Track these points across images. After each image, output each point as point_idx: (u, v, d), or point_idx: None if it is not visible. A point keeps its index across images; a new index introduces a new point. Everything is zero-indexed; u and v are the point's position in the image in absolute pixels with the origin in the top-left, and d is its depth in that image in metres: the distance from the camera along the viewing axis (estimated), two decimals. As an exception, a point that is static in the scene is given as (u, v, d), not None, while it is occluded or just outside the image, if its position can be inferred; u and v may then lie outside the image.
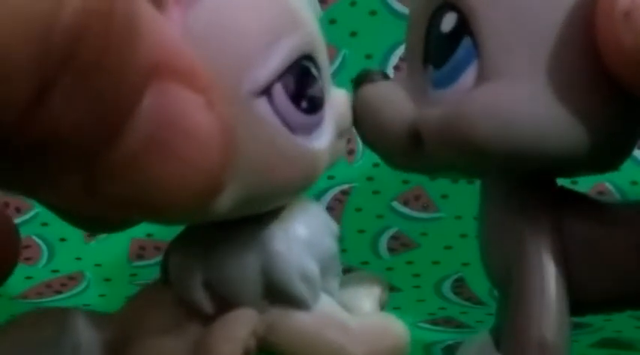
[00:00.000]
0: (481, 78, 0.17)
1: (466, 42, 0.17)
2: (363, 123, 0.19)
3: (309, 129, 0.16)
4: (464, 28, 0.17)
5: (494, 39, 0.17)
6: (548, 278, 0.18)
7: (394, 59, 0.40)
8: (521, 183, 0.19)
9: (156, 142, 0.10)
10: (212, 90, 0.11)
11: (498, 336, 0.20)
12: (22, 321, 0.17)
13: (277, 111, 0.15)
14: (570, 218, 0.19)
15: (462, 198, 0.40)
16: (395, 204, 0.41)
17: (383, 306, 0.19)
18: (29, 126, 0.09)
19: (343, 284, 0.19)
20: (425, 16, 0.18)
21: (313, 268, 0.16)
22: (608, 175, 0.20)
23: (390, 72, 0.40)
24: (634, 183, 0.40)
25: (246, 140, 0.14)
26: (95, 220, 0.17)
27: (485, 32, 0.17)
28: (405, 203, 0.41)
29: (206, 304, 0.16)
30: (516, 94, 0.16)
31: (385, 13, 0.39)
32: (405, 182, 0.41)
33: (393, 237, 0.41)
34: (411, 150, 0.18)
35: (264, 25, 0.15)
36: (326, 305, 0.17)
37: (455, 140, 0.17)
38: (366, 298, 0.19)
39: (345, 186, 0.41)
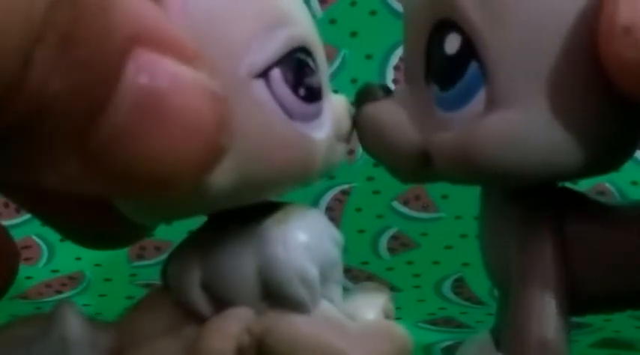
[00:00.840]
0: (491, 103, 0.17)
1: (473, 67, 0.17)
2: (368, 142, 0.19)
3: (308, 118, 0.16)
4: (470, 51, 0.17)
5: (503, 65, 0.16)
6: (549, 277, 0.18)
7: (394, 59, 0.40)
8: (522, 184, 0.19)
9: (142, 111, 0.10)
10: (199, 61, 0.11)
11: (498, 336, 0.20)
12: (15, 322, 0.17)
13: (275, 96, 0.15)
14: (571, 218, 0.19)
15: (462, 198, 0.40)
16: (395, 204, 0.41)
17: (389, 317, 0.19)
18: (17, 101, 0.09)
19: (347, 295, 0.18)
20: (423, 31, 0.18)
21: (312, 271, 0.16)
22: (608, 175, 0.20)
23: (390, 72, 0.40)
24: (634, 183, 0.40)
25: (244, 122, 0.14)
26: (93, 234, 0.17)
27: (493, 58, 0.16)
28: (405, 203, 0.41)
29: (204, 306, 0.16)
30: (528, 120, 0.16)
31: (385, 13, 0.39)
32: (405, 182, 0.41)
33: (393, 237, 0.41)
34: (420, 169, 0.18)
35: (264, 12, 0.15)
36: (325, 309, 0.17)
37: (468, 167, 0.17)
38: (370, 308, 0.19)
39: (345, 186, 0.41)
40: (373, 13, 0.40)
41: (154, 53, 0.11)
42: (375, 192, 0.41)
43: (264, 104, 0.15)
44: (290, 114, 0.16)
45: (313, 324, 0.16)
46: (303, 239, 0.16)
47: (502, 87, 0.16)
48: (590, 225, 0.19)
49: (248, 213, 0.16)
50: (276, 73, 0.15)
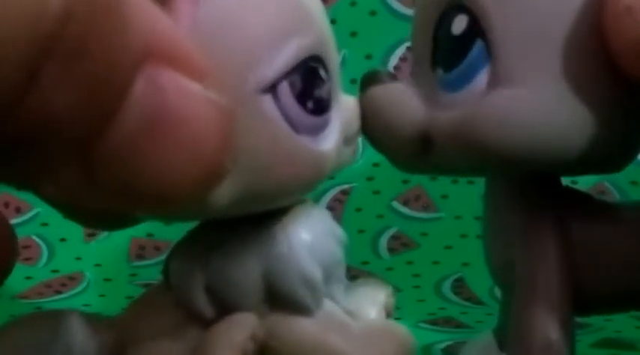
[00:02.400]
0: (494, 81, 0.17)
1: (478, 45, 0.17)
2: (371, 125, 0.19)
3: (314, 131, 0.16)
4: (476, 30, 0.17)
5: (508, 42, 0.17)
6: (552, 277, 0.18)
7: (394, 59, 0.40)
8: (526, 183, 0.19)
9: (150, 128, 0.10)
10: (208, 76, 0.11)
11: (502, 336, 0.20)
12: (17, 324, 0.17)
13: (282, 110, 0.15)
14: (574, 218, 0.18)
15: (462, 198, 0.40)
16: (395, 204, 0.41)
17: (389, 313, 0.19)
18: (21, 113, 0.09)
19: (348, 291, 0.18)
20: (432, 18, 0.18)
21: (316, 273, 0.16)
22: (609, 175, 0.20)
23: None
24: (634, 183, 0.40)
25: (248, 136, 0.14)
26: (97, 216, 0.17)
27: (498, 36, 0.17)
28: (405, 203, 0.41)
29: (207, 308, 0.16)
30: (531, 99, 0.16)
31: (385, 13, 0.39)
32: (405, 182, 0.41)
33: (393, 237, 0.41)
34: (419, 153, 0.18)
35: (274, 23, 0.15)
36: (329, 310, 0.17)
37: (469, 144, 0.17)
38: (371, 305, 0.18)
39: (345, 186, 0.41)
40: (373, 13, 0.39)
41: (164, 69, 0.10)
42: (375, 192, 0.41)
43: (271, 119, 0.15)
44: (296, 128, 0.15)
45: (316, 326, 0.16)
46: (307, 241, 0.16)
47: (506, 64, 0.17)
48: (593, 225, 0.19)
49: (250, 214, 0.16)
50: (284, 87, 0.15)
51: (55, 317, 0.17)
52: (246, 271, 0.16)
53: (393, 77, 0.20)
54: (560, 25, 0.16)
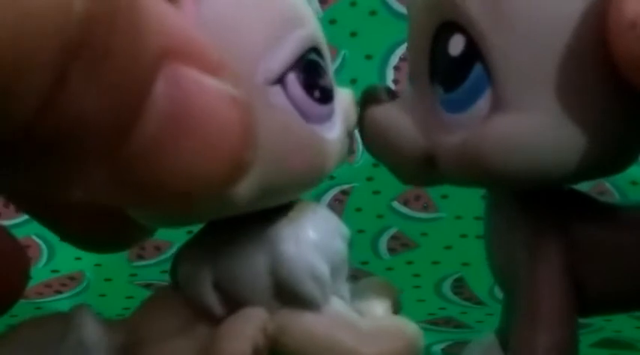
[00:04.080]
0: (496, 105, 0.17)
1: (477, 69, 0.17)
2: (373, 145, 0.19)
3: (322, 119, 0.16)
4: (474, 53, 0.17)
5: (508, 67, 0.16)
6: (556, 280, 0.18)
7: (394, 59, 0.40)
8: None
9: (173, 126, 0.11)
10: (225, 71, 0.11)
11: (504, 337, 0.20)
12: (27, 323, 0.17)
13: (292, 100, 0.15)
14: (577, 219, 0.18)
15: (462, 198, 0.40)
16: (395, 204, 0.41)
17: (397, 312, 0.19)
18: (51, 117, 0.09)
19: (354, 292, 0.18)
20: (427, 32, 0.18)
21: (323, 268, 0.16)
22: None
23: (390, 72, 0.40)
24: (634, 183, 0.40)
25: (263, 128, 0.14)
26: (92, 238, 0.17)
27: (498, 61, 0.16)
28: (405, 203, 0.41)
29: (216, 306, 0.16)
30: (533, 125, 0.16)
31: (385, 13, 0.40)
32: (405, 182, 0.41)
33: (393, 237, 0.41)
34: (424, 172, 0.18)
35: (275, 17, 0.15)
36: (337, 306, 0.17)
37: (473, 169, 0.17)
38: (378, 304, 0.19)
39: (345, 186, 0.41)
40: (373, 13, 0.40)
41: (182, 66, 0.11)
42: (375, 192, 0.41)
43: (282, 110, 0.15)
44: (306, 117, 0.16)
45: (326, 322, 0.16)
46: (314, 237, 0.16)
47: (507, 89, 0.16)
48: (595, 227, 0.19)
49: (257, 212, 0.16)
50: (291, 78, 0.15)
51: (67, 314, 0.17)
52: (253, 268, 0.16)
53: (392, 94, 0.19)
54: (560, 50, 0.16)
